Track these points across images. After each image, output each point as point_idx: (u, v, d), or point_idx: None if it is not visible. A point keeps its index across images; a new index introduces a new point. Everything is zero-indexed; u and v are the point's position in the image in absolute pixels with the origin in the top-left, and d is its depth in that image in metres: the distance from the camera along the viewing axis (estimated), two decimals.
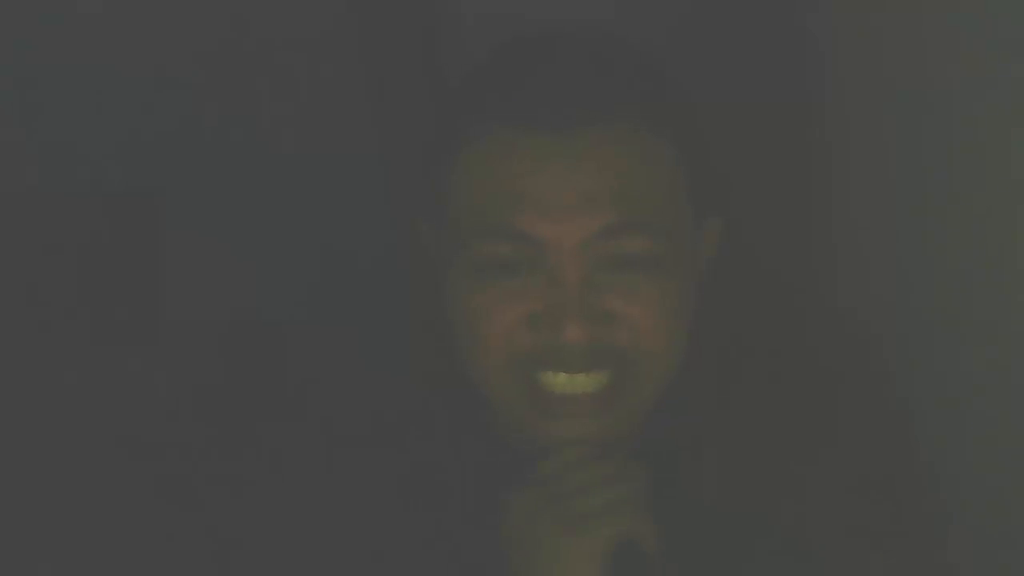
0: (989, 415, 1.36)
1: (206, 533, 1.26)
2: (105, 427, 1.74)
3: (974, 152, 1.35)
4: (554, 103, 1.13)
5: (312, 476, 1.24)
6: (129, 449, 1.73)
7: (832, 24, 1.55)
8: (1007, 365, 1.33)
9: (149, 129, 1.78)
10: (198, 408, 1.70)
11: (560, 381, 1.15)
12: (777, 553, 1.25)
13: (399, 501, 1.24)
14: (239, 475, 1.26)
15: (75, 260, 1.77)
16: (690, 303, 1.19)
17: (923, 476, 1.39)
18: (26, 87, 1.76)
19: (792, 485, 1.26)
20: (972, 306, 1.37)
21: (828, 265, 1.60)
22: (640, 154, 1.15)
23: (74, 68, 1.76)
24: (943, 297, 1.41)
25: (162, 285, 1.79)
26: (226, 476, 1.26)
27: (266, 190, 1.81)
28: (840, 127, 1.57)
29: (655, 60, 1.21)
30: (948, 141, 1.39)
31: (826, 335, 1.34)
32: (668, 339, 1.16)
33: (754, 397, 1.28)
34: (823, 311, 1.57)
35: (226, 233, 1.81)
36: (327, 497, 1.23)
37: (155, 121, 1.78)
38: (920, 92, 1.42)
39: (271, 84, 1.80)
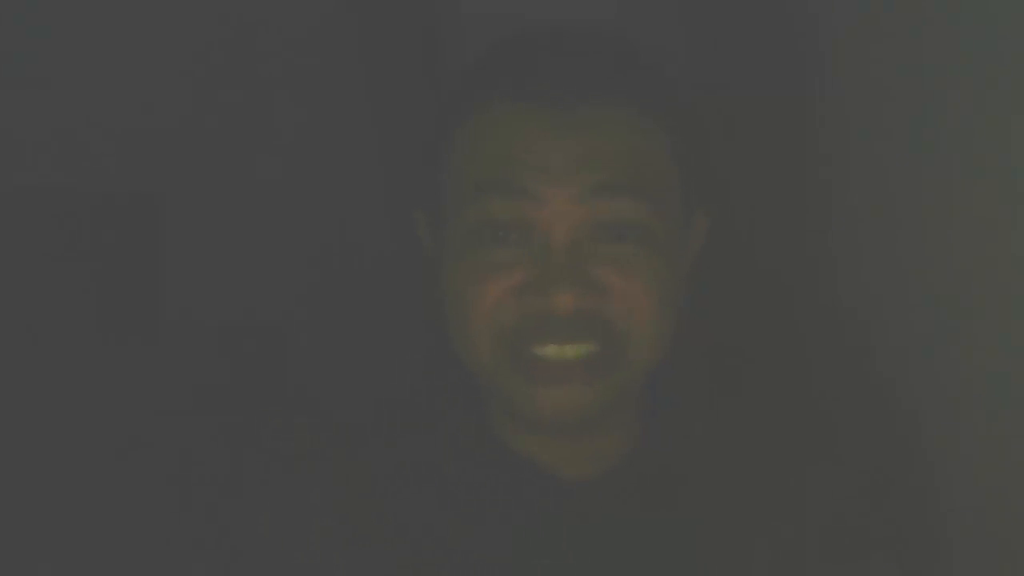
0: (989, 415, 1.36)
1: (207, 532, 1.26)
2: (105, 426, 1.74)
3: (974, 151, 1.35)
4: (556, 81, 1.17)
5: (311, 475, 1.24)
6: (129, 448, 1.73)
7: (831, 22, 1.56)
8: (1007, 365, 1.33)
9: (149, 129, 1.78)
10: (198, 407, 1.70)
11: (549, 352, 1.16)
12: (776, 554, 1.25)
13: (399, 500, 1.24)
14: (239, 474, 1.26)
15: (75, 260, 1.77)
16: (679, 289, 1.20)
17: (923, 476, 1.39)
18: (26, 87, 1.76)
19: (791, 485, 1.26)
20: (972, 306, 1.38)
21: (828, 266, 1.60)
22: (634, 132, 1.18)
23: (74, 68, 1.77)
24: (943, 297, 1.41)
25: (162, 285, 1.80)
26: (226, 475, 1.27)
27: (266, 190, 1.81)
28: (838, 126, 1.57)
29: (652, 55, 1.23)
30: (948, 139, 1.39)
31: (826, 335, 1.34)
32: (656, 316, 1.17)
33: (752, 397, 1.28)
34: (823, 312, 1.58)
35: (226, 233, 1.81)
36: (326, 496, 1.24)
37: (155, 121, 1.78)
38: (920, 90, 1.42)
39: (271, 84, 1.80)
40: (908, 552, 1.28)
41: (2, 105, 1.76)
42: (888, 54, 1.46)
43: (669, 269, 1.18)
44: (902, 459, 1.35)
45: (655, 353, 1.19)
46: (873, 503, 1.27)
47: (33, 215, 1.76)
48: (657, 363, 1.19)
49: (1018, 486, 1.32)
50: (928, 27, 1.39)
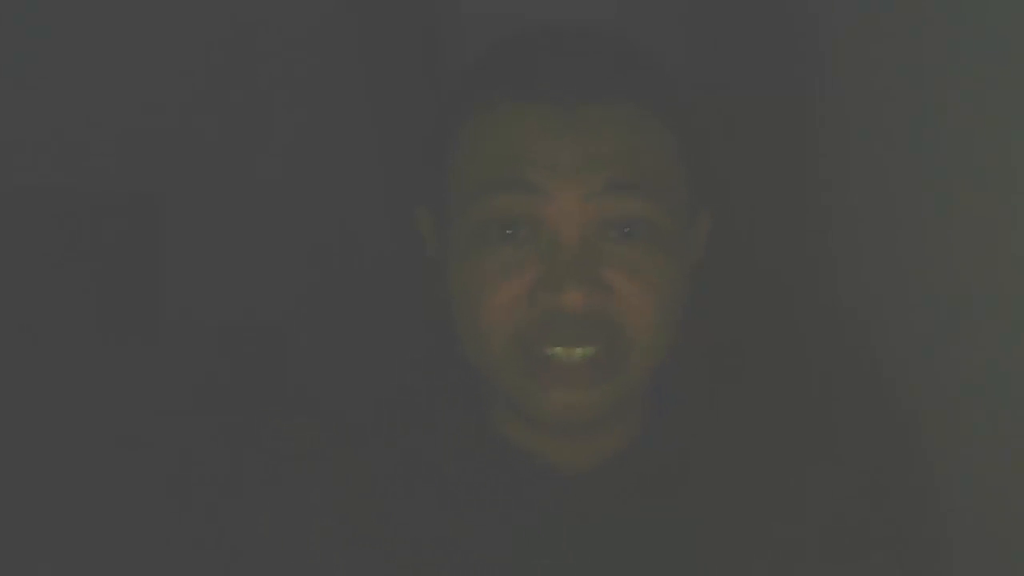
0: (989, 415, 1.36)
1: (207, 532, 1.27)
2: (104, 425, 1.74)
3: (974, 151, 1.35)
4: (559, 80, 1.17)
5: (311, 475, 1.24)
6: (129, 448, 1.73)
7: (831, 22, 1.56)
8: (1007, 365, 1.33)
9: (149, 129, 1.78)
10: (198, 407, 1.70)
11: (558, 352, 1.16)
12: (776, 553, 1.25)
13: (399, 500, 1.24)
14: (239, 474, 1.26)
15: (75, 260, 1.77)
16: (685, 289, 1.20)
17: (923, 476, 1.39)
18: (26, 87, 1.76)
19: (791, 485, 1.26)
20: (972, 306, 1.38)
21: (828, 266, 1.60)
22: (639, 131, 1.18)
23: (74, 68, 1.77)
24: (943, 297, 1.41)
25: (162, 285, 1.79)
26: (226, 475, 1.27)
27: (265, 190, 1.81)
28: (838, 126, 1.57)
29: (655, 54, 1.23)
30: (948, 139, 1.39)
31: (826, 335, 1.34)
32: (661, 319, 1.17)
33: (752, 396, 1.28)
34: (823, 312, 1.58)
35: (226, 233, 1.81)
36: (326, 496, 1.24)
37: (155, 121, 1.78)
38: (920, 90, 1.42)
39: (271, 84, 1.80)
40: (908, 552, 1.28)
41: (2, 105, 1.76)
42: (888, 54, 1.46)
43: (675, 269, 1.19)
44: (902, 459, 1.34)
45: (658, 355, 1.19)
46: (873, 503, 1.27)
47: (33, 215, 1.76)
48: (660, 363, 1.20)
49: (1018, 486, 1.32)
50: (928, 27, 1.39)
